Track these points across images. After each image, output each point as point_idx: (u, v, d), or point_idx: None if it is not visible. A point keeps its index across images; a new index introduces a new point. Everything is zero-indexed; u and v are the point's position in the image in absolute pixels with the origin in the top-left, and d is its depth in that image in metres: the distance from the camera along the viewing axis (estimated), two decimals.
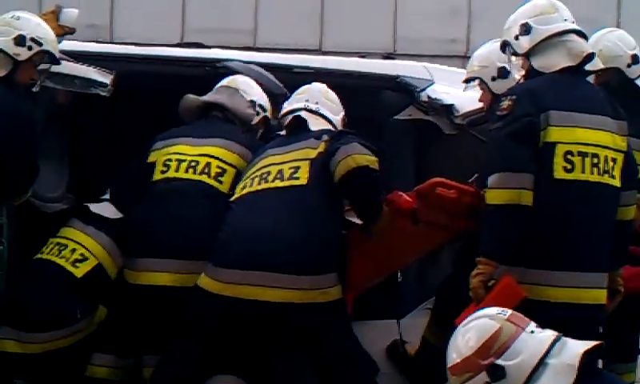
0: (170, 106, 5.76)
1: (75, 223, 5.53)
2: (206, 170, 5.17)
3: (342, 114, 5.29)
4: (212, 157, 5.22)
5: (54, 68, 5.38)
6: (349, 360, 4.90)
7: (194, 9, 14.20)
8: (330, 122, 5.19)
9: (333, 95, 5.31)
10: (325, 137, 4.96)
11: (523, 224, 4.47)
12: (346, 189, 4.87)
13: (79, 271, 5.34)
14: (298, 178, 4.86)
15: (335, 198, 4.90)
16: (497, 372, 3.52)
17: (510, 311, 3.68)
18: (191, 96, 5.51)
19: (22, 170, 5.13)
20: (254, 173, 5.00)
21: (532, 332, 3.60)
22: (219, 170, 5.18)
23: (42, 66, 5.25)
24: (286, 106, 5.31)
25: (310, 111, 5.19)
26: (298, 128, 5.13)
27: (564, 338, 3.58)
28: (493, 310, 3.70)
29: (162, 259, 5.06)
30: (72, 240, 5.45)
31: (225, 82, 5.55)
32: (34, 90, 5.23)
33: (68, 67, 5.47)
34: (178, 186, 5.18)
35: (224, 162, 5.21)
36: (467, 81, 5.36)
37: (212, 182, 5.16)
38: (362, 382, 4.95)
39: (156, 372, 5.03)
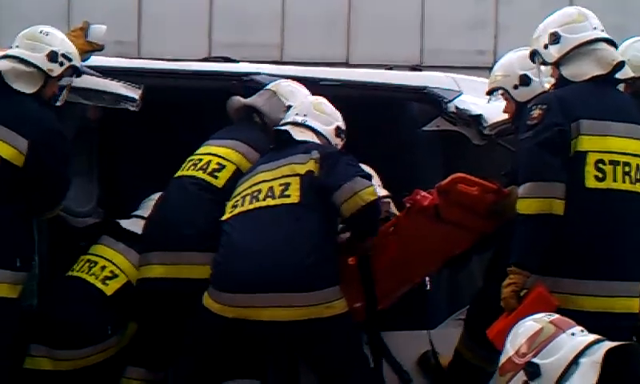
0: (198, 119, 5.77)
1: (106, 240, 5.56)
2: (204, 167, 5.27)
3: (336, 124, 5.24)
4: (215, 155, 5.31)
5: (84, 84, 5.42)
6: (358, 371, 4.89)
7: (220, 24, 14.24)
8: (318, 133, 5.16)
9: (326, 107, 5.28)
10: (315, 154, 4.94)
11: (554, 233, 4.45)
12: (353, 222, 4.91)
13: (109, 289, 5.37)
14: (289, 196, 4.87)
15: (328, 213, 4.88)
16: (532, 370, 3.56)
17: (555, 315, 3.71)
18: (236, 98, 5.55)
19: (57, 184, 5.16)
20: (244, 190, 5.01)
21: (573, 334, 3.62)
22: (217, 167, 5.26)
23: (65, 80, 5.28)
24: (281, 122, 5.31)
25: (296, 124, 5.17)
26: (284, 142, 5.12)
27: (604, 342, 3.58)
28: (540, 315, 3.74)
29: (156, 252, 5.19)
30: (102, 257, 5.49)
31: (270, 85, 5.59)
32: (57, 103, 5.26)
33: (97, 82, 5.49)
34: (178, 183, 5.32)
35: (224, 158, 5.27)
36: (490, 92, 5.34)
37: (206, 176, 5.24)
38: None
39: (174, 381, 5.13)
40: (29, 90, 5.13)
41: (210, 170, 5.25)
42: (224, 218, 4.99)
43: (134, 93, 5.50)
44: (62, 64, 5.18)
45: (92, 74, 5.52)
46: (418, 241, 5.00)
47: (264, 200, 4.90)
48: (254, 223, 4.88)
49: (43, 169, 5.05)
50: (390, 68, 7.10)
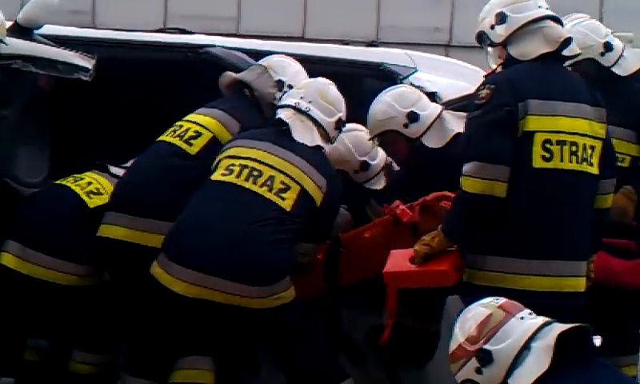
0: (152, 91, 5.76)
1: (92, 171, 5.57)
2: (182, 134, 5.26)
3: (339, 115, 5.19)
4: (195, 123, 5.30)
5: (37, 52, 5.38)
6: (305, 346, 4.91)
7: None
8: (319, 125, 5.13)
9: (332, 95, 5.20)
10: (323, 184, 4.94)
11: (492, 214, 4.48)
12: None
13: (92, 202, 5.37)
14: (283, 199, 4.87)
15: (302, 229, 4.93)
16: (484, 356, 3.59)
17: (503, 299, 3.74)
18: (227, 73, 5.53)
19: None
20: (244, 159, 4.96)
21: (522, 318, 3.65)
22: (194, 134, 5.25)
23: None
24: (284, 98, 5.23)
25: (300, 111, 5.13)
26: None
27: (554, 324, 3.62)
28: (487, 299, 3.76)
29: (121, 213, 5.16)
30: (88, 176, 5.50)
31: (262, 60, 5.55)
32: None
33: (50, 52, 5.46)
34: (154, 148, 5.30)
35: (203, 126, 5.26)
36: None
37: (182, 144, 5.23)
38: (317, 361, 4.97)
39: (126, 359, 5.11)
40: None
41: (186, 137, 5.24)
42: (213, 177, 4.95)
43: (88, 63, 5.48)
44: None
45: (45, 43, 5.49)
46: (384, 247, 5.00)
47: (260, 187, 4.88)
48: (237, 202, 4.86)
49: None
50: (347, 43, 7.10)
